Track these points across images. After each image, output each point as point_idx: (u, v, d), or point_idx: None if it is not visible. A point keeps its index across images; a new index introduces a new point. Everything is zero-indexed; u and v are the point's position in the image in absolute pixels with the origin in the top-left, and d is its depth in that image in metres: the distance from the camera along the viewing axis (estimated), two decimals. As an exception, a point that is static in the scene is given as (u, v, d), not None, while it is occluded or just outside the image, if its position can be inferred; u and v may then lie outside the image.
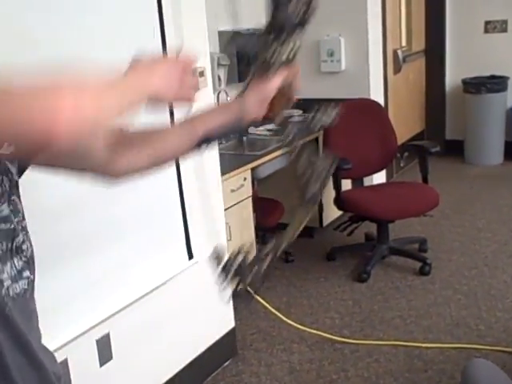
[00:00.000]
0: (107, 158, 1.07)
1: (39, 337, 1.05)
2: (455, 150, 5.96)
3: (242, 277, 1.07)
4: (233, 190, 3.22)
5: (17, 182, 0.99)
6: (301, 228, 1.16)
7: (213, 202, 2.73)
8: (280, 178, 4.11)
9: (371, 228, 3.97)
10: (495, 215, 4.55)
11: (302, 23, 1.05)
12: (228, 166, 3.17)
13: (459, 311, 3.24)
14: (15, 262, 0.94)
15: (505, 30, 5.82)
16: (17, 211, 0.96)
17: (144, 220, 2.27)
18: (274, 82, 1.09)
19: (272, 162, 3.78)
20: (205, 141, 1.10)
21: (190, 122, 1.14)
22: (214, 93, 3.89)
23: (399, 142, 4.80)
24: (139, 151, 1.11)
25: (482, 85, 5.72)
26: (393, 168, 5.32)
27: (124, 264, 2.18)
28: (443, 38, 6.04)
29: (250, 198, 3.43)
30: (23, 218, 0.98)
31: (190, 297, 2.65)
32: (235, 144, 3.89)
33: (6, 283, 0.91)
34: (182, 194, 2.48)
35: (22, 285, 0.94)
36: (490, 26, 5.88)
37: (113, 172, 1.11)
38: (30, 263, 0.98)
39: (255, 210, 3.50)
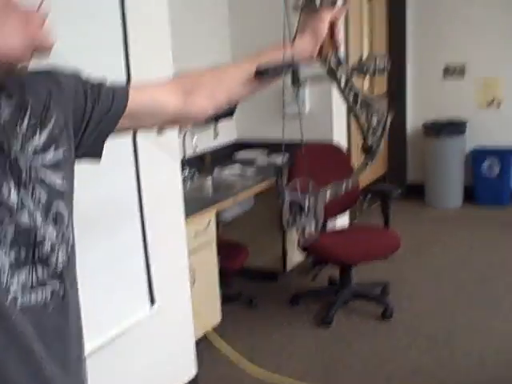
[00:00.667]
0: (182, 103, 1.14)
1: (68, 354, 0.95)
2: (416, 192, 6.06)
3: None
4: (197, 234, 3.20)
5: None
6: (365, 170, 1.21)
7: (176, 245, 2.70)
8: (245, 221, 4.12)
9: (334, 272, 3.98)
10: (455, 258, 4.61)
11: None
12: (193, 208, 3.15)
13: (420, 356, 3.25)
14: (35, 271, 0.87)
15: (462, 75, 6.00)
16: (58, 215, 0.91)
17: (102, 263, 2.22)
18: (324, 20, 1.15)
19: (237, 204, 3.78)
20: (263, 72, 1.15)
21: (250, 59, 1.20)
22: (180, 134, 3.90)
23: (362, 185, 4.86)
24: (212, 90, 1.18)
25: (441, 129, 5.87)
26: (356, 210, 5.37)
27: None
28: (404, 83, 6.20)
29: (215, 241, 3.41)
30: (68, 227, 0.93)
31: (151, 344, 2.60)
32: (200, 186, 3.88)
33: (14, 293, 0.84)
34: (144, 236, 2.45)
35: (40, 297, 0.88)
36: (449, 72, 6.06)
37: (194, 114, 1.18)
38: (62, 277, 0.91)
39: (219, 253, 3.47)
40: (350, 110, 1.17)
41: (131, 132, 1.14)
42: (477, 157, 5.93)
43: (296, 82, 1.13)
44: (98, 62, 2.14)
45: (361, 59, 1.16)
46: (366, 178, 5.24)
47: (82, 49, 1.98)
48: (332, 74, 1.15)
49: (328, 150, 4.23)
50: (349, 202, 4.14)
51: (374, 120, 1.15)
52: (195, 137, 3.86)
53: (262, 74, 1.13)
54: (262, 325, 3.70)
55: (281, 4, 1.12)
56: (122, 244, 2.32)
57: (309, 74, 1.28)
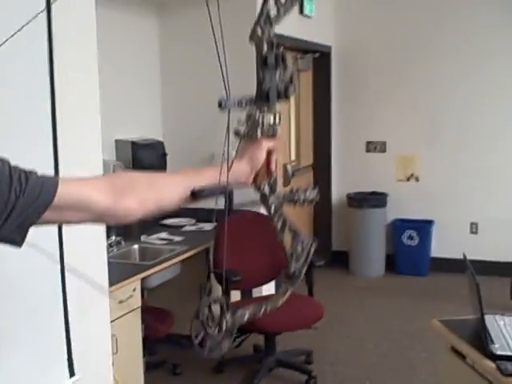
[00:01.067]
0: (112, 204, 1.12)
1: None
2: (341, 260, 6.22)
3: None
4: (121, 301, 3.17)
5: None
6: (285, 298, 1.20)
7: (99, 315, 2.67)
8: (171, 288, 4.11)
9: (259, 340, 4.00)
10: (377, 327, 4.73)
11: (286, 95, 1.18)
12: (118, 275, 3.14)
13: (343, 426, 3.29)
14: None
15: (384, 151, 6.33)
16: None
17: (19, 334, 2.17)
18: (263, 149, 1.20)
19: (163, 271, 3.78)
20: (197, 194, 1.16)
21: (188, 173, 1.23)
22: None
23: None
24: (144, 195, 1.16)
25: (364, 200, 6.12)
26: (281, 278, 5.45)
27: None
28: (329, 155, 6.46)
29: (139, 309, 3.38)
30: None
31: (70, 417, 2.52)
32: (126, 252, 3.87)
33: None
34: (65, 305, 2.41)
35: None
36: (371, 146, 6.38)
37: (122, 216, 1.15)
38: None
39: (144, 319, 3.44)
40: (278, 236, 1.22)
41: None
42: (397, 227, 6.18)
43: (228, 205, 1.19)
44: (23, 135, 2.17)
45: (292, 190, 1.22)
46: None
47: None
48: (264, 201, 1.21)
49: (255, 218, 4.33)
50: (274, 271, 4.21)
51: (299, 248, 1.20)
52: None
53: (197, 196, 1.16)
54: (186, 394, 3.66)
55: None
56: (42, 316, 2.28)
57: (243, 199, 1.35)
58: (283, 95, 1.18)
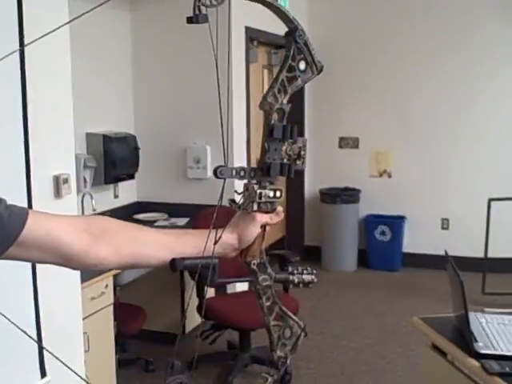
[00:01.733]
0: (85, 248, 1.03)
1: None
2: (313, 255, 6.21)
3: None
4: (93, 298, 3.10)
5: None
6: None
7: (71, 314, 2.60)
8: (143, 284, 4.04)
9: (234, 336, 3.96)
10: (350, 322, 4.73)
11: (289, 172, 1.09)
12: (89, 272, 3.06)
13: (318, 422, 3.27)
14: None
15: (357, 147, 6.34)
16: None
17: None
18: (257, 224, 1.11)
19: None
20: (176, 266, 1.07)
21: (171, 233, 1.14)
22: (79, 195, 3.82)
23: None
24: (121, 246, 1.07)
25: (336, 196, 6.11)
26: (255, 273, 5.42)
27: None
28: (302, 151, 6.42)
29: (112, 306, 3.31)
30: None
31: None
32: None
33: None
34: (36, 301, 2.34)
35: None
36: (344, 142, 6.37)
37: (92, 263, 1.06)
38: None
39: (117, 316, 3.37)
40: (264, 319, 1.13)
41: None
42: (370, 223, 6.20)
43: (213, 280, 1.06)
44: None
45: (288, 270, 1.15)
46: (265, 240, 5.32)
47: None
48: (252, 278, 1.12)
49: (230, 214, 4.28)
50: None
51: (287, 333, 1.13)
52: (93, 199, 3.82)
53: (176, 268, 1.07)
54: (159, 392, 3.59)
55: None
56: (12, 313, 2.20)
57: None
58: (287, 172, 1.09)
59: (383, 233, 6.12)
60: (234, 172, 1.08)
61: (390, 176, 6.25)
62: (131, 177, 4.50)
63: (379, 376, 3.81)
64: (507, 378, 1.81)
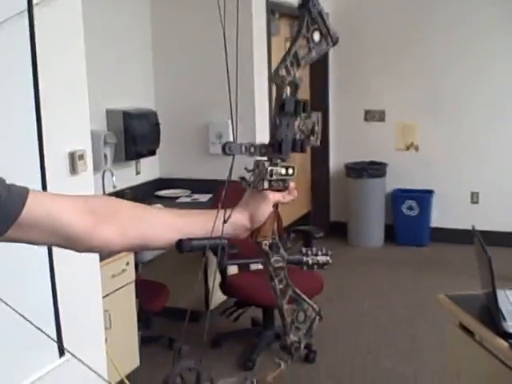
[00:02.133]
0: (90, 229, 0.97)
1: None
2: (339, 231, 6.12)
3: None
4: (114, 275, 3.07)
5: None
6: (276, 373, 1.07)
7: (90, 291, 2.56)
8: (165, 261, 4.00)
9: (258, 313, 3.91)
10: (377, 300, 4.65)
11: (302, 148, 1.02)
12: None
13: (344, 400, 3.22)
14: None
15: (383, 120, 6.18)
16: None
17: (7, 313, 2.07)
18: (269, 202, 1.03)
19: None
20: (183, 247, 1.00)
21: (180, 212, 1.07)
22: (99, 172, 3.78)
23: (287, 223, 4.86)
24: (128, 228, 1.01)
25: (363, 170, 5.99)
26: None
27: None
28: (327, 125, 6.31)
29: (133, 283, 3.29)
30: None
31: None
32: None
33: None
34: (53, 280, 2.30)
35: None
36: (370, 115, 6.23)
37: (97, 245, 1.00)
38: None
39: (139, 294, 3.35)
40: (277, 302, 1.07)
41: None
42: (397, 197, 6.07)
43: (222, 263, 1.01)
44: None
45: (301, 251, 1.07)
46: (289, 216, 5.25)
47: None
48: (265, 259, 1.05)
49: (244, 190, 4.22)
50: (272, 242, 4.11)
51: (301, 316, 1.07)
52: (114, 176, 3.79)
53: (183, 249, 1.00)
54: (182, 369, 3.57)
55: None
56: (29, 291, 2.17)
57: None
58: (299, 148, 1.01)
59: (411, 207, 5.99)
60: (243, 148, 1.01)
61: (417, 149, 6.10)
62: (152, 153, 4.45)
63: (406, 355, 3.73)
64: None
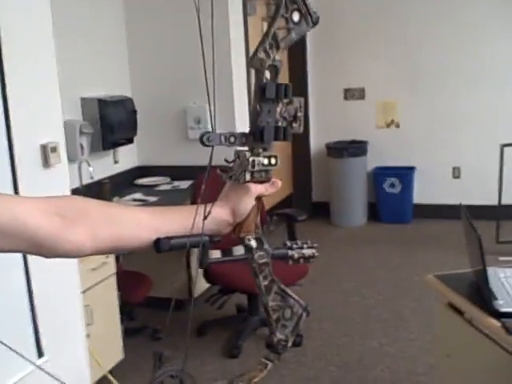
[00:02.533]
0: (57, 232, 0.89)
1: None
2: (322, 212, 6.10)
3: None
4: (94, 269, 3.00)
5: None
6: (264, 374, 1.03)
7: (68, 288, 2.50)
8: (146, 250, 3.94)
9: (242, 299, 3.88)
10: (362, 278, 4.63)
11: (285, 135, 0.96)
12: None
13: (332, 384, 3.20)
14: None
15: (363, 98, 6.14)
16: None
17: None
18: (251, 195, 0.97)
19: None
20: (161, 246, 0.93)
21: (154, 213, 0.99)
22: (76, 163, 3.70)
23: (269, 206, 4.82)
24: (99, 229, 0.93)
25: (343, 149, 5.95)
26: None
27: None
28: (306, 104, 6.23)
29: (115, 275, 3.22)
30: None
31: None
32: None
33: None
34: (28, 277, 2.23)
35: None
36: (349, 94, 6.17)
37: (66, 250, 0.92)
38: None
39: (121, 285, 3.29)
40: (262, 299, 1.01)
41: None
42: (378, 175, 6.05)
43: (204, 261, 0.95)
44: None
45: (285, 244, 1.02)
46: (271, 199, 5.21)
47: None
48: (248, 255, 0.99)
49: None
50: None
51: (287, 313, 1.01)
52: (91, 167, 3.71)
53: (161, 249, 0.93)
54: (167, 358, 3.52)
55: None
56: (2, 289, 2.10)
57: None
58: (282, 136, 0.95)
59: (393, 185, 5.98)
60: (222, 138, 0.94)
61: (397, 126, 6.07)
62: (130, 141, 4.37)
63: (393, 333, 3.72)
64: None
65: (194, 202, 3.69)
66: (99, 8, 4.21)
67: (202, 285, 4.09)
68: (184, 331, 3.74)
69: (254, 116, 0.96)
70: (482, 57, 5.69)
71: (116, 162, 4.37)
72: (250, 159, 0.95)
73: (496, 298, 1.87)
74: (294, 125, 0.99)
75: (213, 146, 0.93)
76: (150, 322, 3.81)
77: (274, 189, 1.01)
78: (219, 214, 0.96)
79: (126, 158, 4.47)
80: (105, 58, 4.29)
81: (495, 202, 5.06)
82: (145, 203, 3.91)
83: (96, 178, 3.85)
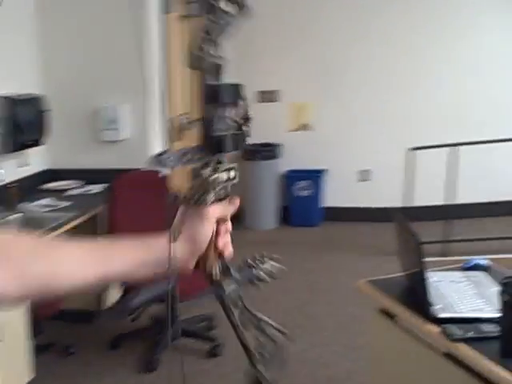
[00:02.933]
0: None
1: None
2: (235, 214, 6.04)
3: None
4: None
5: None
6: None
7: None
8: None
9: (159, 310, 3.76)
10: (276, 282, 4.61)
11: (238, 146, 0.85)
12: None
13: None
14: None
15: (277, 100, 6.16)
16: None
17: None
18: (210, 218, 0.85)
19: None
20: (126, 308, 0.81)
21: (96, 248, 0.83)
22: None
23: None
24: (27, 267, 0.76)
25: (256, 152, 5.95)
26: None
27: None
28: (220, 106, 6.17)
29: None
30: None
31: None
32: (4, 224, 3.45)
33: None
34: None
35: None
36: (263, 96, 6.17)
37: None
38: None
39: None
40: (239, 336, 0.93)
41: None
42: (290, 178, 6.11)
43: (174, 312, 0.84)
44: None
45: (246, 261, 0.93)
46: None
47: None
48: (217, 291, 0.89)
49: (149, 178, 4.03)
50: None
51: (270, 347, 0.91)
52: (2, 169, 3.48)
53: (126, 313, 0.81)
54: (80, 375, 3.36)
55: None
56: None
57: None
58: (242, 144, 0.85)
59: (303, 188, 6.04)
60: (178, 157, 0.85)
61: (310, 129, 6.15)
62: (40, 142, 4.13)
63: (311, 338, 3.74)
64: (473, 344, 1.67)
65: (111, 207, 3.53)
66: (8, 5, 3.94)
67: (113, 295, 3.94)
68: (97, 345, 3.60)
69: (207, 125, 0.86)
70: (392, 61, 5.86)
71: (26, 165, 4.12)
72: (212, 178, 0.85)
73: (432, 304, 1.83)
74: (246, 129, 0.90)
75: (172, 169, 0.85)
76: (62, 336, 3.63)
77: (233, 207, 0.90)
78: (184, 252, 0.85)
79: (36, 160, 4.23)
80: (13, 54, 4.03)
81: (406, 204, 5.14)
82: (55, 209, 3.71)
83: (3, 182, 3.61)
